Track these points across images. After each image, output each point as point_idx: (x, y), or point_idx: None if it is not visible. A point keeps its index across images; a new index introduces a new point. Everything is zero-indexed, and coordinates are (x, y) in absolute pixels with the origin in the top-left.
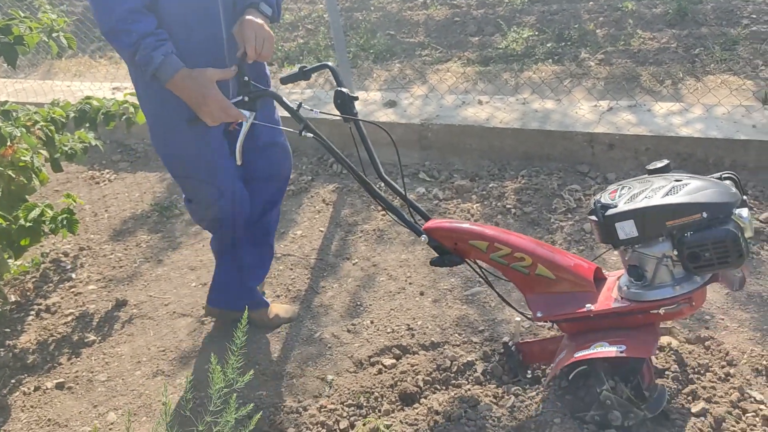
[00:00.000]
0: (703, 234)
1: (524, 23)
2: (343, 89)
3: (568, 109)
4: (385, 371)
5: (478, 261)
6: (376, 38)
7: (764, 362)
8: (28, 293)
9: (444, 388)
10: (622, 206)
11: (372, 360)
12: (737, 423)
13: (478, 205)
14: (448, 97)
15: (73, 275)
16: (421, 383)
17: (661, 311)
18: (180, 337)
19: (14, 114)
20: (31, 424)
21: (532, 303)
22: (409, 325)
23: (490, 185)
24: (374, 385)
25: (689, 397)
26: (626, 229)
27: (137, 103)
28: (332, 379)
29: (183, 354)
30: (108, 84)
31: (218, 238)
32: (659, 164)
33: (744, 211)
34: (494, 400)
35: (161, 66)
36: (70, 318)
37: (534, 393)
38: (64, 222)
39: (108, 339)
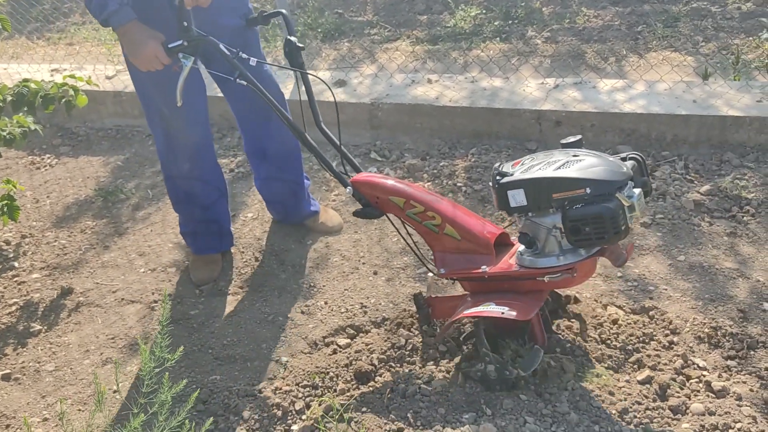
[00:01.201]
0: (585, 209)
1: (472, 1)
2: (292, 38)
3: (516, 86)
4: (340, 351)
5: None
6: (324, 17)
7: (706, 330)
8: None
9: (399, 365)
10: (516, 176)
11: (326, 340)
12: (681, 389)
13: (429, 183)
14: (398, 76)
15: (16, 264)
16: (375, 362)
17: (546, 279)
18: (129, 324)
19: None
20: None
21: (438, 259)
22: (362, 303)
23: (441, 164)
24: (329, 365)
25: (635, 366)
26: (517, 198)
27: (77, 85)
28: (287, 361)
29: (133, 341)
30: (46, 66)
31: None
32: (572, 139)
33: (633, 191)
34: (447, 376)
35: (114, 13)
36: (14, 308)
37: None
38: (5, 209)
39: (54, 328)
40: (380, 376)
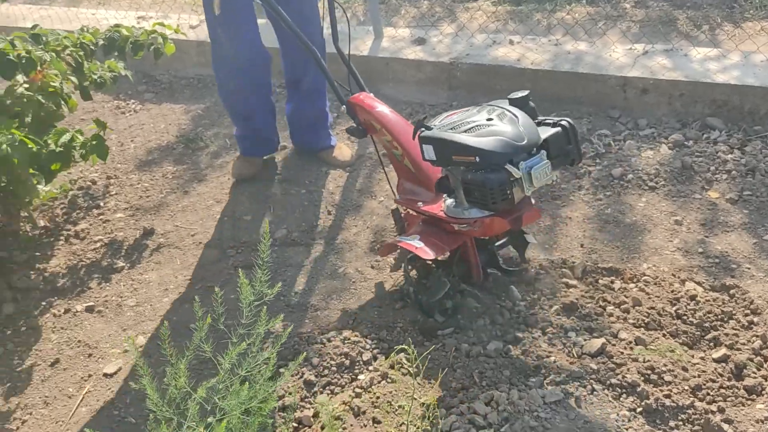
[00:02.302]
0: (474, 175)
1: None
2: None
3: (602, 51)
4: (408, 306)
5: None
6: None
7: None
8: (57, 219)
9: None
10: (430, 132)
11: (395, 296)
12: (758, 370)
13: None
14: (478, 36)
15: (101, 203)
16: (441, 317)
17: (456, 227)
18: (206, 266)
19: (44, 38)
20: (61, 345)
21: (399, 185)
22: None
23: None
24: (397, 319)
25: (711, 343)
26: (428, 153)
27: (165, 33)
28: (355, 312)
29: (209, 284)
30: (133, 13)
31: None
32: (519, 94)
33: (528, 164)
34: (503, 342)
35: None
36: (99, 244)
37: (538, 334)
38: (94, 148)
39: (136, 266)
40: (446, 336)
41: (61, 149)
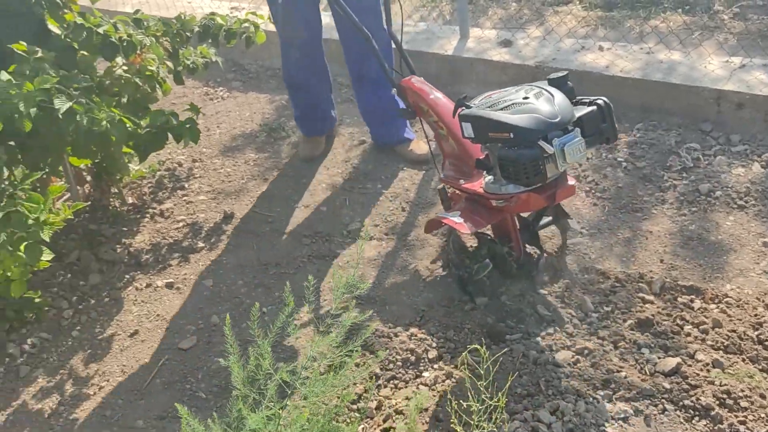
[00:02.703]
0: (508, 151)
1: None
2: None
3: (696, 62)
4: (476, 308)
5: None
6: None
7: None
8: (144, 197)
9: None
10: (470, 110)
11: (465, 297)
12: None
13: (591, 152)
14: (567, 41)
15: (186, 185)
16: (512, 323)
17: (494, 203)
18: (281, 254)
19: (145, 23)
20: (141, 317)
21: (443, 164)
22: None
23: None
24: (464, 320)
25: None
26: (467, 130)
27: (258, 23)
28: (424, 310)
29: (282, 270)
30: (227, 3)
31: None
32: (558, 74)
33: (561, 140)
34: (573, 353)
35: None
36: (181, 224)
37: (609, 347)
38: (187, 131)
39: (214, 248)
40: (514, 341)
41: (156, 131)
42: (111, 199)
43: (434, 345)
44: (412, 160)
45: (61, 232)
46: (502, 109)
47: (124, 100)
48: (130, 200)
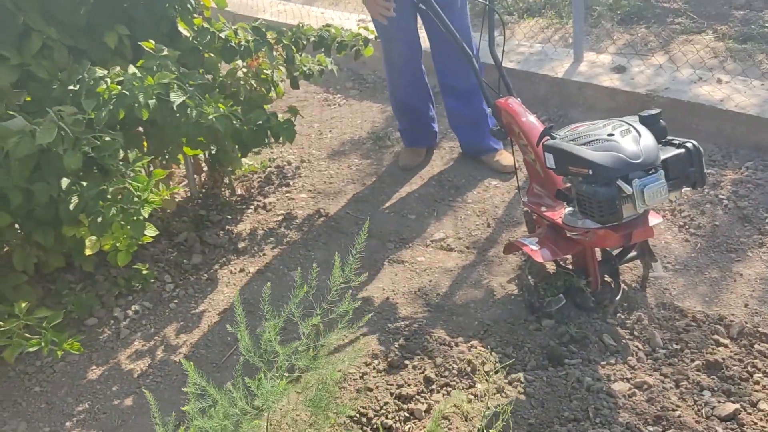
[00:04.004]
0: (586, 187)
1: None
2: None
3: None
4: (541, 330)
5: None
6: None
7: None
8: (252, 190)
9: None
10: (554, 141)
11: (531, 318)
12: None
13: (688, 189)
14: (684, 71)
15: (291, 182)
16: (574, 348)
17: (569, 234)
18: (364, 255)
19: (262, 31)
20: (230, 299)
21: (529, 189)
22: None
23: (708, 171)
24: (526, 339)
25: None
26: (549, 161)
27: (368, 37)
28: (489, 325)
29: (362, 270)
30: (356, 15)
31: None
32: (651, 112)
33: (642, 181)
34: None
35: None
36: (280, 217)
37: (670, 385)
38: (284, 130)
39: (306, 243)
40: (572, 366)
41: (256, 128)
42: (223, 189)
43: (491, 359)
44: (498, 170)
45: (174, 214)
46: (585, 144)
47: (242, 98)
48: (239, 191)
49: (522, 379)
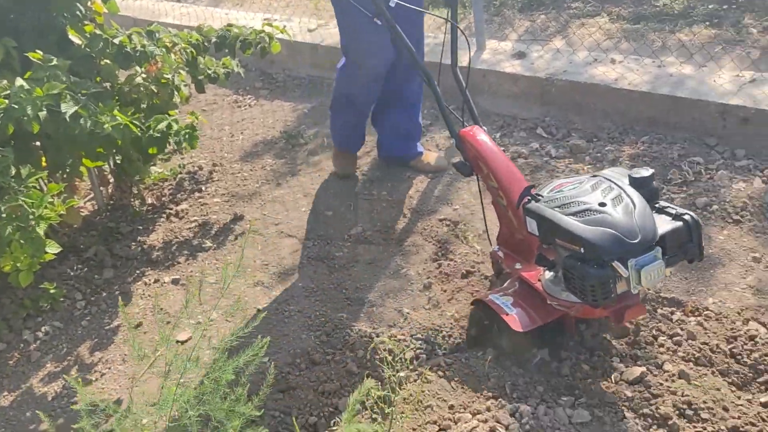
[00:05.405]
0: (576, 265)
1: None
2: None
3: (706, 76)
4: (458, 313)
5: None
6: None
7: None
8: (164, 198)
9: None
10: (537, 205)
11: (450, 302)
12: None
13: (589, 167)
14: (580, 54)
15: (203, 187)
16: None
17: (552, 303)
18: (282, 254)
19: (157, 35)
20: (146, 311)
21: (498, 235)
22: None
23: (607, 148)
24: (444, 324)
25: (762, 387)
26: (531, 226)
27: (273, 33)
28: (407, 313)
29: (282, 270)
30: (261, 15)
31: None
32: (643, 173)
33: (638, 261)
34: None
35: None
36: (194, 224)
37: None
38: (186, 136)
39: (221, 247)
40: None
41: (158, 135)
42: (132, 199)
43: (412, 346)
44: (429, 171)
45: (81, 229)
46: (574, 213)
47: (144, 106)
48: (149, 201)
49: (442, 363)
